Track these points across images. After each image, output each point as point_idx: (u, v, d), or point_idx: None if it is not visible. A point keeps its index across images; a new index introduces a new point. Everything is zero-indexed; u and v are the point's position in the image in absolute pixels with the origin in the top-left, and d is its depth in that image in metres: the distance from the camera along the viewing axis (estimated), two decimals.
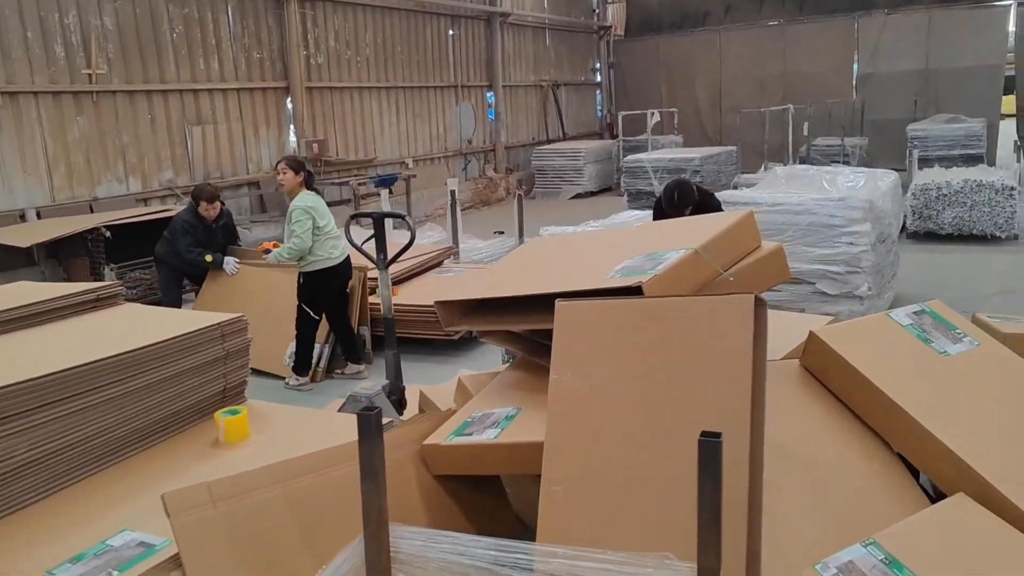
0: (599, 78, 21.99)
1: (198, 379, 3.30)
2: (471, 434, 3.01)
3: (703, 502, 2.00)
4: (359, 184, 11.51)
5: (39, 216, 8.80)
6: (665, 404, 2.43)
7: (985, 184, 9.50)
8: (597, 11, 21.56)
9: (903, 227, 10.24)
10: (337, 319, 5.91)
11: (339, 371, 6.03)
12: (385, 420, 3.71)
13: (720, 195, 6.24)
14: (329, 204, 12.36)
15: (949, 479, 2.54)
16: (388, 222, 5.97)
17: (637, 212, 8.25)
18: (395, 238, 9.35)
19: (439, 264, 7.79)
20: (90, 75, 9.42)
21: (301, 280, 5.53)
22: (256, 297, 6.38)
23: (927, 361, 2.89)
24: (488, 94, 17.20)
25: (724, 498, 2.34)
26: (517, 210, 9.49)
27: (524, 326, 3.17)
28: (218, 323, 3.33)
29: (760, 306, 2.50)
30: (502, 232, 10.99)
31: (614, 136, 18.78)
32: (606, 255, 3.20)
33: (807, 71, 18.32)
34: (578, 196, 16.50)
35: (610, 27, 21.78)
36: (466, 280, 6.82)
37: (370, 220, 4.36)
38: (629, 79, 21.32)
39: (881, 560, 2.24)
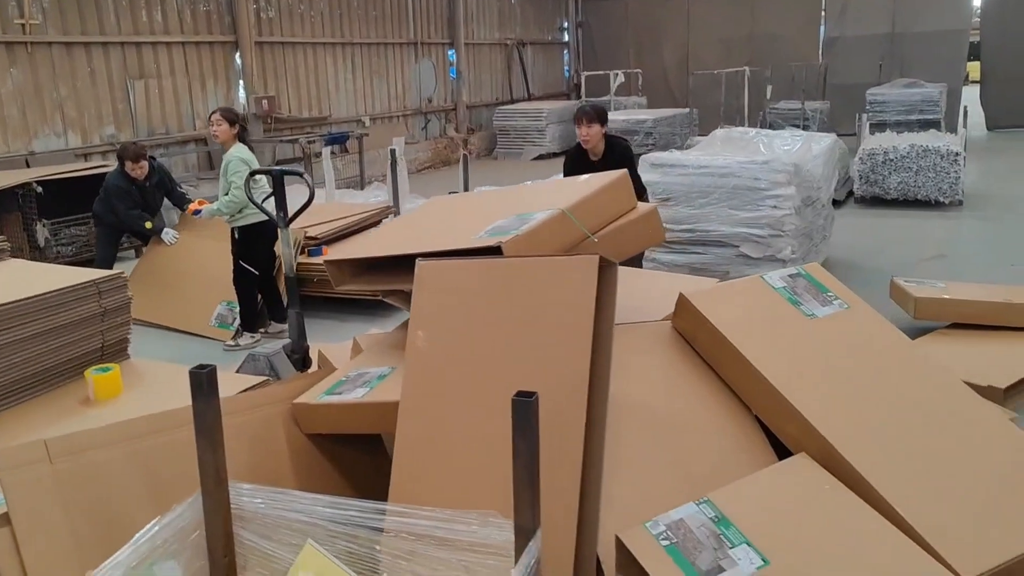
0: (567, 38, 21.74)
1: (74, 335, 3.25)
2: (341, 393, 2.99)
3: (518, 462, 2.01)
4: (308, 142, 11.34)
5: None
6: (511, 365, 2.42)
7: (931, 149, 9.53)
8: None
9: (850, 192, 10.30)
10: (265, 277, 5.86)
11: (263, 330, 5.99)
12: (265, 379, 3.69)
13: (648, 156, 6.22)
14: (281, 162, 12.28)
15: (796, 440, 2.56)
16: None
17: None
18: (346, 197, 9.26)
19: (377, 223, 7.71)
20: (23, 25, 9.15)
21: (236, 236, 5.47)
22: (198, 262, 6.34)
23: (791, 323, 2.89)
24: (449, 52, 16.96)
25: (558, 458, 2.35)
26: (462, 170, 9.40)
27: (401, 286, 3.15)
28: (94, 280, 3.28)
29: (608, 267, 2.48)
30: (456, 192, 10.89)
31: (581, 97, 18.62)
32: (485, 215, 3.17)
33: (774, 34, 18.20)
34: (540, 157, 16.38)
35: None
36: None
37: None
38: (597, 39, 21.09)
39: (711, 518, 2.26)
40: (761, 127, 12.63)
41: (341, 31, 13.94)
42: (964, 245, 7.96)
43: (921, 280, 5.50)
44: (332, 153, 12.99)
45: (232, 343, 5.65)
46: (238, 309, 5.73)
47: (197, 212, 5.98)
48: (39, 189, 7.87)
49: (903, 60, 17.24)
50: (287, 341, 4.27)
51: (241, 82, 12.03)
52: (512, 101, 18.71)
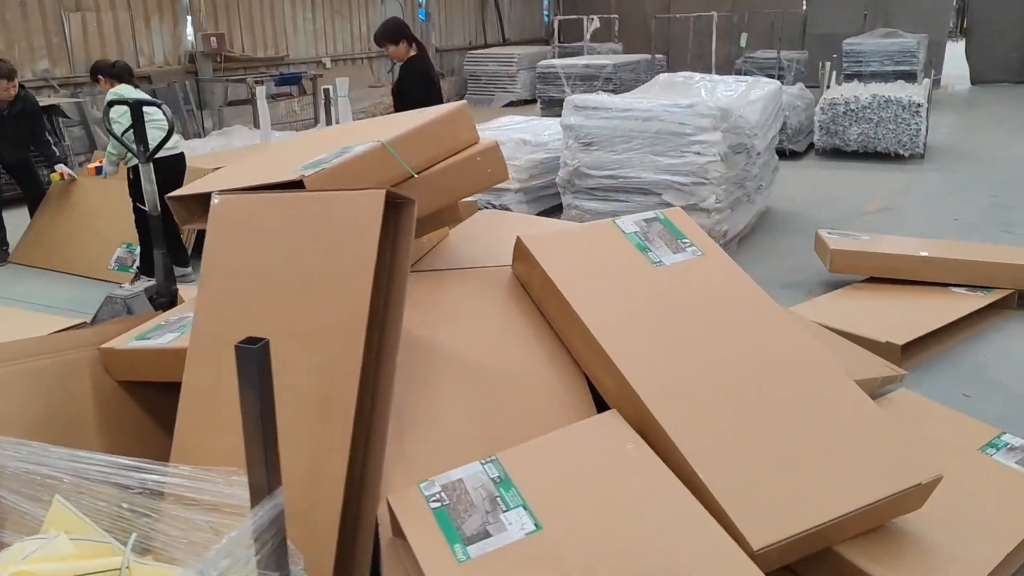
0: None
1: None
2: (151, 338, 2.78)
3: (247, 416, 1.79)
4: (255, 82, 10.95)
5: None
6: (295, 307, 2.21)
7: (893, 100, 9.22)
8: None
9: (811, 144, 10.00)
10: (165, 219, 5.59)
11: None
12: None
13: (572, 98, 5.92)
14: (232, 103, 11.90)
15: (613, 395, 2.36)
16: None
17: (521, 118, 7.89)
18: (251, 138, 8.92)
19: None
20: None
21: (131, 176, 5.18)
22: (97, 203, 6.07)
23: (633, 270, 2.67)
24: None
25: (327, 409, 2.14)
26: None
27: None
28: None
29: (407, 204, 2.25)
30: None
31: (561, 42, 18.10)
32: (318, 149, 2.92)
33: None
34: (511, 104, 15.98)
35: None
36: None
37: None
38: None
39: (493, 479, 2.06)
40: (737, 75, 12.26)
41: None
42: (914, 199, 7.72)
43: (846, 233, 5.27)
44: (290, 95, 12.64)
45: (128, 287, 5.40)
46: (124, 252, 5.48)
47: (99, 171, 5.64)
48: None
49: (887, 11, 16.76)
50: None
51: (189, 18, 11.57)
52: (486, 46, 18.21)
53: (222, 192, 2.46)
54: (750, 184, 6.19)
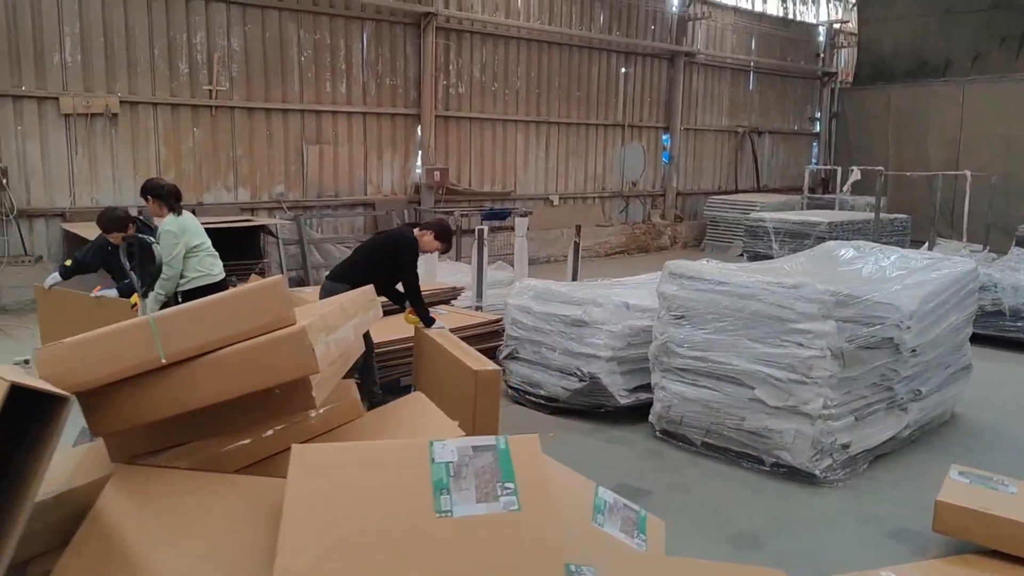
0: (818, 128, 19.99)
1: None
2: None
3: None
4: (462, 215, 11.34)
5: (140, 215, 9.66)
6: None
7: None
8: (823, 55, 19.63)
9: None
10: None
11: None
12: None
13: (669, 264, 5.19)
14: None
15: None
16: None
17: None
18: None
19: (446, 303, 7.36)
20: (211, 91, 10.22)
21: (180, 299, 5.41)
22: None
23: (403, 518, 2.05)
24: (664, 136, 16.28)
25: None
26: (572, 257, 8.77)
27: None
28: None
29: (61, 403, 1.89)
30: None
31: (829, 191, 16.82)
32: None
33: None
34: (745, 254, 14.98)
35: (835, 74, 19.73)
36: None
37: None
38: (853, 131, 19.09)
39: None
40: (1018, 245, 10.34)
41: (537, 109, 13.96)
42: None
43: (989, 478, 3.89)
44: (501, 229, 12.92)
45: None
46: None
47: (103, 289, 5.74)
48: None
49: None
50: None
51: (420, 153, 12.43)
52: (735, 191, 17.47)
53: None
54: (899, 388, 4.91)
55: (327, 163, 11.48)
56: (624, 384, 5.53)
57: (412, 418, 2.94)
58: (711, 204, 16.04)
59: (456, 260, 10.71)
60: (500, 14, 13.11)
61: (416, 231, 5.30)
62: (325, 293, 5.11)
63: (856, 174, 15.22)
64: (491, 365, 4.16)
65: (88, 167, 9.39)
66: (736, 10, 17.44)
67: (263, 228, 9.73)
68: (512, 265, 9.65)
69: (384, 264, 5.16)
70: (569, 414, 5.70)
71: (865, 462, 4.77)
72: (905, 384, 4.99)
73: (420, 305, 5.19)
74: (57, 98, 9.11)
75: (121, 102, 9.54)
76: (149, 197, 5.46)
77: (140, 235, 6.07)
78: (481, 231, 7.92)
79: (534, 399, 5.90)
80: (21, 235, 9.00)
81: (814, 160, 20.02)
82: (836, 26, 19.80)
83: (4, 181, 8.58)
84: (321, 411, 3.01)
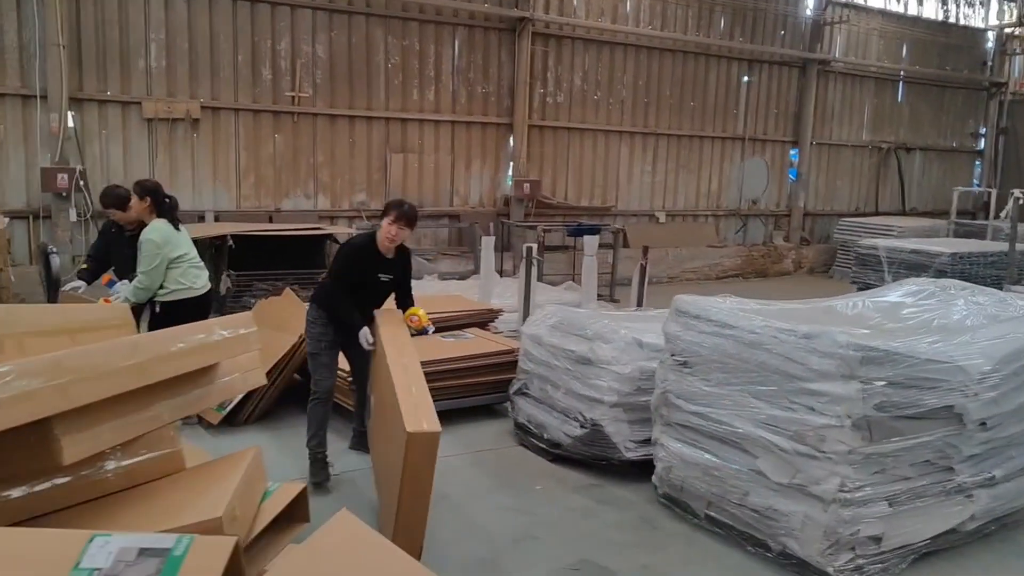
0: (982, 145, 17.77)
1: None
2: None
3: None
4: (544, 230, 10.70)
5: (216, 219, 9.74)
6: None
7: None
8: (991, 63, 17.43)
9: None
10: None
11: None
12: None
13: (678, 298, 4.36)
14: (545, 248, 11.82)
15: None
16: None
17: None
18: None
19: (482, 325, 6.78)
20: (293, 97, 10.18)
21: (157, 309, 5.13)
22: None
23: None
24: (792, 151, 14.92)
25: None
26: (637, 280, 7.94)
27: None
28: None
29: None
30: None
31: (994, 216, 14.87)
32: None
33: None
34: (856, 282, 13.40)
35: (1005, 84, 17.46)
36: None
37: None
38: None
39: None
40: None
41: (645, 120, 13.10)
42: None
43: None
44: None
45: None
46: None
47: (111, 283, 5.41)
48: (231, 243, 8.51)
49: None
50: None
51: (512, 164, 11.92)
52: (875, 213, 15.78)
53: None
54: (961, 469, 3.86)
55: (411, 172, 11.19)
56: (631, 435, 4.72)
57: (195, 486, 2.39)
58: (842, 227, 14.53)
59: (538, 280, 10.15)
60: (606, 19, 12.40)
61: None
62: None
63: (1021, 198, 13.28)
64: (429, 422, 3.48)
65: (168, 171, 9.53)
66: (884, 13, 15.76)
67: (329, 237, 9.53)
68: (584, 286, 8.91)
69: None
70: (572, 464, 4.95)
71: (905, 561, 3.75)
72: (970, 465, 3.91)
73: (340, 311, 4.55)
74: (140, 103, 9.32)
75: (203, 107, 9.65)
76: (148, 198, 5.02)
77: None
78: (530, 248, 7.28)
79: (537, 442, 5.20)
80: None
81: (976, 181, 17.82)
82: (1008, 31, 17.53)
83: (82, 183, 8.82)
84: (124, 464, 2.55)
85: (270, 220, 10.06)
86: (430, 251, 11.22)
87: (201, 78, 9.66)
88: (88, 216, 9.04)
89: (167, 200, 5.10)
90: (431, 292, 8.14)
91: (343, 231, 9.68)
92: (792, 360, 3.63)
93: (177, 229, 5.14)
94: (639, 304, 7.89)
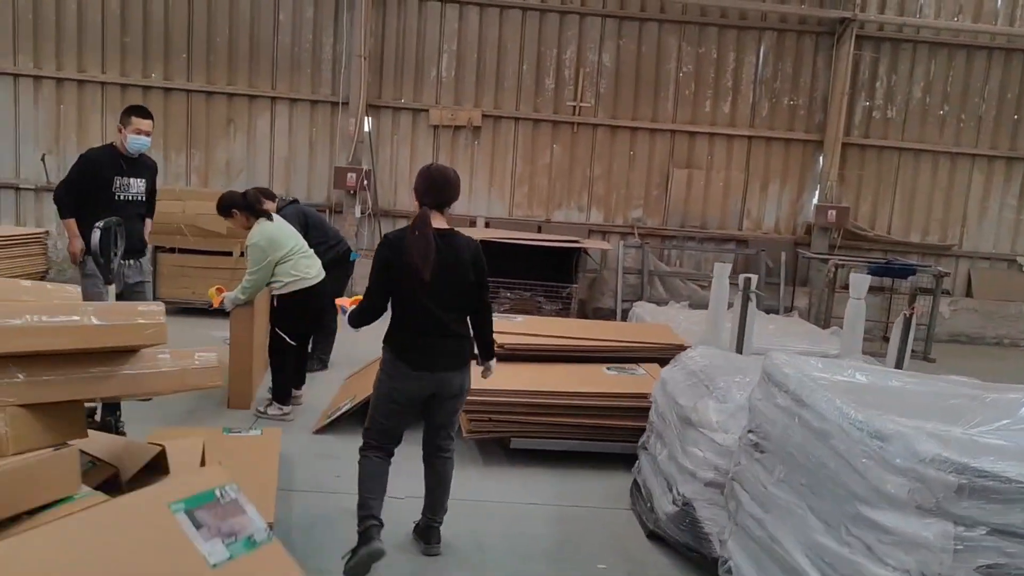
0: None
1: None
2: None
3: None
4: (837, 266, 9.06)
5: (487, 225, 9.93)
6: None
7: None
8: None
9: None
10: (302, 348, 5.45)
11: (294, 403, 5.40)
12: None
13: (776, 358, 3.23)
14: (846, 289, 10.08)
15: None
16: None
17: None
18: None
19: (658, 361, 5.91)
20: (574, 107, 9.98)
21: (275, 303, 5.19)
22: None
23: None
24: None
25: None
26: (899, 335, 6.20)
27: None
28: None
29: None
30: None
31: None
32: None
33: None
34: None
35: None
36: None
37: None
38: None
39: None
40: None
41: (1011, 142, 10.50)
42: None
43: None
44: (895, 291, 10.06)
45: (261, 410, 5.29)
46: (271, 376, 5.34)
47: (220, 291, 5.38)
48: None
49: None
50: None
51: (818, 187, 10.35)
52: None
53: None
54: None
55: (696, 190, 10.31)
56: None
57: None
58: None
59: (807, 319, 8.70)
60: (964, 18, 10.18)
61: None
62: None
63: None
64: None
65: None
66: None
67: (583, 251, 9.13)
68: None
69: None
70: (666, 547, 3.97)
71: None
72: None
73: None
74: (427, 110, 9.87)
75: (484, 115, 9.91)
76: (234, 211, 5.16)
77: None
78: (748, 280, 6.11)
79: (642, 511, 4.28)
80: (380, 231, 9.99)
81: None
82: None
83: (366, 182, 9.59)
84: None
85: (539, 230, 9.98)
86: (702, 276, 10.19)
87: (486, 87, 9.93)
88: (370, 212, 9.81)
89: (254, 199, 5.18)
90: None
91: (599, 245, 9.26)
92: (853, 468, 2.41)
93: (270, 219, 5.20)
94: (898, 364, 6.21)
